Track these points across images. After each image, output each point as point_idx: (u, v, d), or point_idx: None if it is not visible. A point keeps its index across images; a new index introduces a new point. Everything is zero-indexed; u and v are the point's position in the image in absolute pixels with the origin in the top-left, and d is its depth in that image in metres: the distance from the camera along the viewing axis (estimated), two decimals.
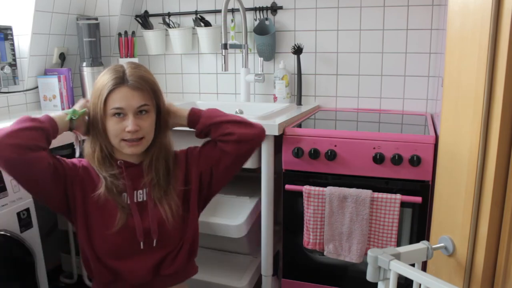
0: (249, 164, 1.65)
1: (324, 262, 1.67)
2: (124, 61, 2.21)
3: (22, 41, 1.94)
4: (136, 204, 1.17)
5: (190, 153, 1.28)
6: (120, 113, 1.10)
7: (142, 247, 1.16)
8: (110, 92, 1.09)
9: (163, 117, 1.20)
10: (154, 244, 1.18)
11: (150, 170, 1.18)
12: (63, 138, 1.44)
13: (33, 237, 1.26)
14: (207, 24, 2.22)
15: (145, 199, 1.18)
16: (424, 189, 1.48)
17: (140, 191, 1.18)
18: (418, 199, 1.46)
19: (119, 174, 1.16)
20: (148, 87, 1.13)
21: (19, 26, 1.91)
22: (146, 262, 1.17)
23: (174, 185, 1.21)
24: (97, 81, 1.14)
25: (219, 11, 2.20)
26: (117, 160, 1.17)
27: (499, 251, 0.91)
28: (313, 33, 2.12)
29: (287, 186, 1.62)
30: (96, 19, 2.14)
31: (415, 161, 1.45)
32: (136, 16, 2.36)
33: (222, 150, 1.22)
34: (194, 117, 1.25)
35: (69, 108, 2.08)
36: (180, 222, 1.22)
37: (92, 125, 1.15)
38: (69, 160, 1.16)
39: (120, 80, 1.10)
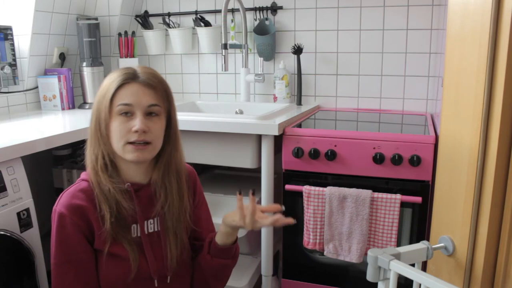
0: (249, 164, 1.65)
1: (324, 262, 1.67)
2: (125, 62, 2.22)
3: (22, 41, 1.94)
4: (147, 236, 1.05)
5: (196, 185, 1.19)
6: (127, 112, 0.97)
7: (156, 285, 1.05)
8: (118, 88, 0.97)
9: (173, 126, 1.07)
10: (168, 281, 1.07)
11: (162, 190, 1.06)
12: (64, 139, 1.44)
13: (33, 237, 1.25)
14: (207, 24, 2.22)
15: (156, 229, 1.06)
16: (424, 189, 1.48)
17: (151, 220, 1.06)
18: (418, 199, 1.46)
19: (129, 201, 1.01)
20: (161, 87, 1.01)
21: (19, 26, 1.91)
22: None
23: (185, 210, 1.10)
24: (103, 82, 1.02)
25: (219, 11, 2.20)
26: (124, 183, 1.02)
27: (499, 251, 0.91)
28: (313, 33, 2.12)
29: (287, 186, 1.61)
30: (96, 19, 2.14)
31: (415, 161, 1.45)
32: (136, 16, 2.36)
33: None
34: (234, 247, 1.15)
35: (69, 108, 2.09)
36: (188, 254, 1.13)
37: (94, 129, 1.01)
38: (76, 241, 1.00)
39: (131, 76, 0.99)
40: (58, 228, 0.98)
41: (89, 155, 1.02)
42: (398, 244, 1.53)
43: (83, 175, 1.06)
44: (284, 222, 1.03)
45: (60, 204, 0.99)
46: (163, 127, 1.03)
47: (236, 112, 2.08)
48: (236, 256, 1.16)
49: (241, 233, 1.65)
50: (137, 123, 0.97)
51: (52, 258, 1.00)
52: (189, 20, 2.29)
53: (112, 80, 0.99)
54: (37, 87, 2.06)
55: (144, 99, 0.98)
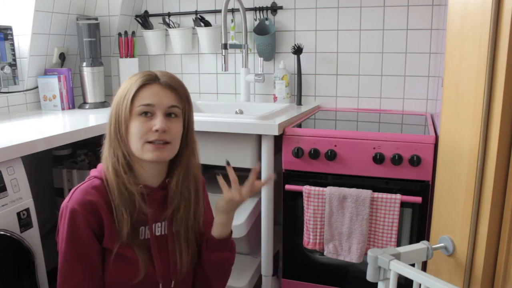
0: (249, 164, 1.65)
1: (324, 262, 1.67)
2: (125, 62, 2.22)
3: (22, 41, 1.94)
4: (155, 239, 1.05)
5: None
6: (147, 112, 0.98)
7: None
8: (139, 89, 0.98)
9: (190, 130, 1.07)
10: (172, 286, 1.07)
11: (176, 195, 1.05)
12: (64, 139, 1.44)
13: (33, 237, 1.25)
14: (207, 24, 2.22)
15: (163, 232, 1.07)
16: (424, 189, 1.48)
17: (159, 223, 1.06)
18: (418, 199, 1.46)
19: (142, 202, 1.01)
20: (181, 89, 1.03)
21: (19, 26, 1.91)
22: None
23: (200, 217, 1.10)
24: (122, 84, 1.03)
25: (219, 11, 2.20)
26: (138, 185, 1.02)
27: (499, 251, 0.91)
28: (313, 33, 2.12)
29: (287, 186, 1.62)
30: (96, 19, 2.14)
31: (415, 161, 1.45)
32: (136, 16, 2.35)
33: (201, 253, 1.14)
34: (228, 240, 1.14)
35: (69, 108, 2.09)
36: (193, 261, 1.13)
37: (114, 131, 1.01)
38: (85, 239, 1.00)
39: (152, 77, 1.00)
40: (69, 224, 0.98)
41: (110, 156, 1.02)
42: (398, 244, 1.53)
43: (94, 172, 1.05)
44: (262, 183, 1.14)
45: (73, 200, 0.99)
46: (181, 128, 1.04)
47: (236, 112, 2.08)
48: (234, 249, 1.16)
49: (241, 233, 1.65)
50: (157, 122, 0.97)
51: (61, 255, 1.00)
52: (189, 20, 2.29)
53: (132, 82, 1.00)
54: (37, 87, 2.06)
55: (165, 100, 0.99)
